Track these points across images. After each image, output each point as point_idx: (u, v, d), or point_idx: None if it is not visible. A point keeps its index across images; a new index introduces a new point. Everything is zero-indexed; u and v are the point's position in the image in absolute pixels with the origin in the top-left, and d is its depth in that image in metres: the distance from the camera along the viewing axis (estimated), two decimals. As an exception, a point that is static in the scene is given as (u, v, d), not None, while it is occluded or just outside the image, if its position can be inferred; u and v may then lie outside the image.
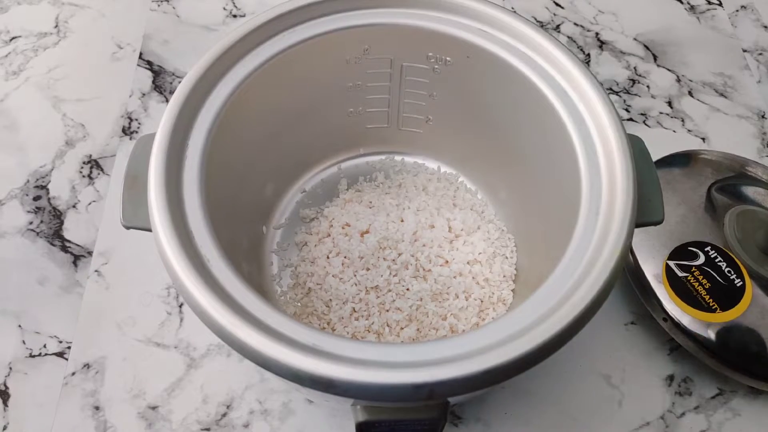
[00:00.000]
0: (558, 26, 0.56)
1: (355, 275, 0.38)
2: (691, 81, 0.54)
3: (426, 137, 0.43)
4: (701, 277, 0.38)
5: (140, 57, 0.53)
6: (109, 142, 0.49)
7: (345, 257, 0.39)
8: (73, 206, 0.46)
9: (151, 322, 0.41)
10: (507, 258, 0.40)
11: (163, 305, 0.42)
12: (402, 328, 0.37)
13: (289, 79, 0.36)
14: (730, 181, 0.42)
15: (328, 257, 0.39)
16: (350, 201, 0.42)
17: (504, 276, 0.39)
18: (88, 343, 0.40)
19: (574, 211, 0.29)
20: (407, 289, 0.38)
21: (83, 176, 0.47)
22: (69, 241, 0.44)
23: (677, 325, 0.37)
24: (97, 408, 0.38)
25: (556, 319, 0.25)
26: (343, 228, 0.40)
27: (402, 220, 0.40)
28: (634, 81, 0.53)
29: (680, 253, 0.39)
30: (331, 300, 0.38)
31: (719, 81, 0.54)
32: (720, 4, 0.59)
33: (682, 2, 0.59)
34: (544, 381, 0.39)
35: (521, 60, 0.34)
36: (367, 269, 0.38)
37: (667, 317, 0.38)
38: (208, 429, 0.38)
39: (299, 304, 0.39)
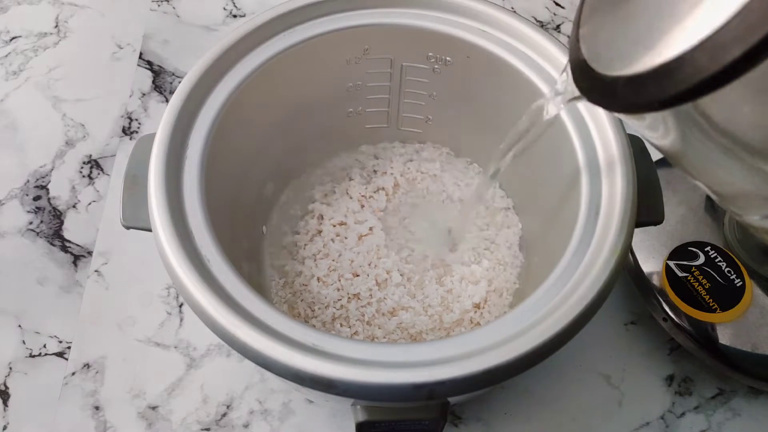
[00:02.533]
0: (558, 26, 0.56)
1: (339, 280, 0.38)
2: (691, 81, 0.53)
3: (426, 137, 0.43)
4: (701, 277, 0.38)
5: (140, 57, 0.53)
6: (109, 142, 0.49)
7: (333, 260, 0.39)
8: (73, 206, 0.46)
9: (151, 322, 0.41)
10: (507, 258, 0.40)
11: (163, 305, 0.42)
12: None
13: (289, 79, 0.36)
14: (730, 181, 0.42)
15: (315, 258, 0.39)
16: (349, 201, 0.42)
17: (504, 276, 0.39)
18: (88, 343, 0.40)
19: (574, 211, 0.29)
20: (391, 313, 0.37)
21: (83, 176, 0.47)
22: (69, 241, 0.44)
23: (677, 325, 0.37)
24: (97, 408, 0.38)
25: (556, 319, 0.25)
26: (334, 227, 0.40)
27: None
28: (634, 81, 0.53)
29: (680, 253, 0.39)
30: (314, 303, 0.38)
31: (719, 81, 0.54)
32: (720, 4, 0.59)
33: (682, 2, 0.59)
34: (544, 381, 0.39)
35: (521, 60, 0.34)
36: (356, 275, 0.38)
37: (667, 317, 0.38)
38: (208, 429, 0.38)
39: (287, 305, 0.39)
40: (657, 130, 0.22)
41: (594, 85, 0.21)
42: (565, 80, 0.25)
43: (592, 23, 0.23)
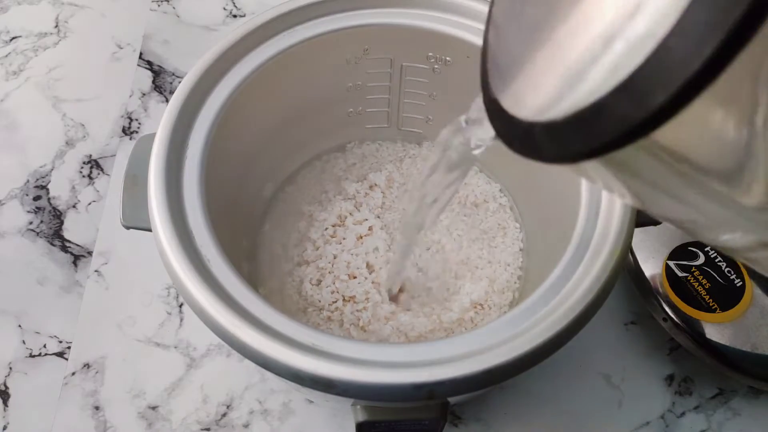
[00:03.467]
0: (558, 26, 0.56)
1: (334, 282, 0.38)
2: (691, 81, 0.53)
3: (426, 137, 0.43)
4: (701, 277, 0.38)
5: (140, 57, 0.53)
6: (109, 142, 0.49)
7: (329, 262, 0.38)
8: (73, 206, 0.46)
9: (151, 322, 0.41)
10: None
11: (163, 305, 0.42)
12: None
13: (289, 79, 0.36)
14: (730, 181, 0.42)
15: (308, 261, 0.39)
16: (346, 202, 0.42)
17: (505, 276, 0.39)
18: (88, 343, 0.40)
19: (574, 211, 0.29)
20: (387, 318, 0.37)
21: (83, 176, 0.47)
22: (69, 241, 0.44)
23: (677, 325, 0.37)
24: (97, 408, 0.38)
25: (556, 319, 0.25)
26: (326, 229, 0.40)
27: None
28: (634, 81, 0.53)
29: (680, 253, 0.39)
30: (307, 306, 0.37)
31: (719, 81, 0.54)
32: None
33: (682, 2, 0.59)
34: (544, 381, 0.39)
35: (521, 60, 0.34)
36: (353, 277, 0.38)
37: (667, 317, 0.38)
38: (208, 429, 0.38)
39: (279, 305, 0.38)
40: (600, 174, 0.18)
41: (510, 130, 0.17)
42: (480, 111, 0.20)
43: (500, 49, 0.19)
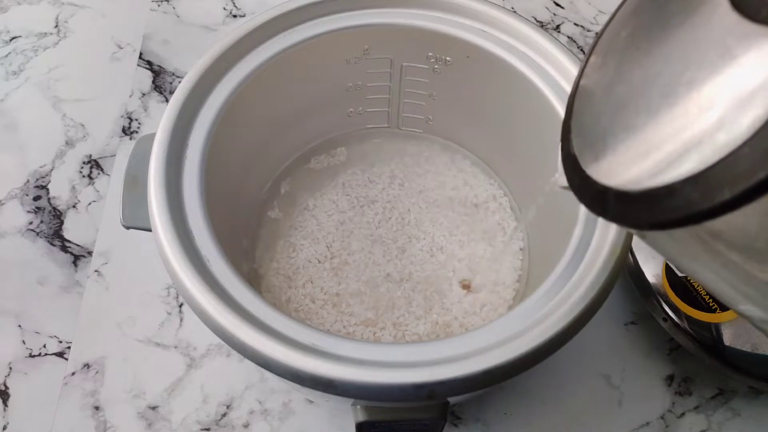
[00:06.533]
0: (558, 26, 0.56)
1: (330, 283, 0.38)
2: (691, 81, 0.53)
3: (426, 137, 0.43)
4: (701, 277, 0.38)
5: (140, 57, 0.53)
6: (109, 142, 0.49)
7: (328, 263, 0.38)
8: (73, 206, 0.46)
9: (151, 322, 0.41)
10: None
11: (163, 305, 0.42)
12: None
13: (289, 79, 0.36)
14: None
15: (309, 260, 0.39)
16: (347, 203, 0.42)
17: (505, 276, 0.39)
18: (88, 343, 0.40)
19: (574, 211, 0.29)
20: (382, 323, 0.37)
21: (83, 176, 0.47)
22: (69, 241, 0.44)
23: (677, 325, 0.37)
24: (97, 408, 0.38)
25: (556, 319, 0.25)
26: (326, 231, 0.40)
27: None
28: (634, 81, 0.53)
29: (680, 253, 0.39)
30: (299, 308, 0.38)
31: (719, 81, 0.54)
32: (720, 4, 0.59)
33: (682, 2, 0.59)
34: (544, 381, 0.39)
35: (521, 60, 0.34)
36: (350, 277, 0.38)
37: (667, 317, 0.38)
38: (208, 429, 0.38)
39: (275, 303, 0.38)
40: (656, 242, 0.21)
41: (584, 187, 0.20)
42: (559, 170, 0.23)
43: (586, 112, 0.21)
